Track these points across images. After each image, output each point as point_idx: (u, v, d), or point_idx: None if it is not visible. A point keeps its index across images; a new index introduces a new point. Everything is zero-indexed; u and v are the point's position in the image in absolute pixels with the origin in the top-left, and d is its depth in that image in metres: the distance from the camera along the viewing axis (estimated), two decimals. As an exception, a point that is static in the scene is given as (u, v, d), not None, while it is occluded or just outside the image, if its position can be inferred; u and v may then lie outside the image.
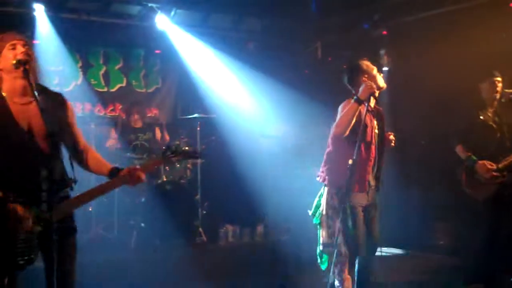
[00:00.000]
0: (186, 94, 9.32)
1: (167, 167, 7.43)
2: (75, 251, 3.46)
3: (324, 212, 4.61)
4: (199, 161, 7.60)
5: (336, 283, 4.51)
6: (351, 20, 8.56)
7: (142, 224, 6.95)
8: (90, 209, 7.28)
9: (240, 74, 8.84)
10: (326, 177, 4.63)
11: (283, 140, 7.89)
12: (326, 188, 4.64)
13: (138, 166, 3.54)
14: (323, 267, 4.70)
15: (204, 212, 7.64)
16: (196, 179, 7.63)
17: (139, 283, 5.98)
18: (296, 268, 6.29)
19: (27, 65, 3.22)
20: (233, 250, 7.27)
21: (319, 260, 4.71)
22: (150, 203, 6.99)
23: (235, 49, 8.96)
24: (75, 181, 3.43)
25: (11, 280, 3.24)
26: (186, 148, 3.82)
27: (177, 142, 7.53)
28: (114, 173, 3.48)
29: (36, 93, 3.16)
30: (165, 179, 7.29)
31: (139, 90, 9.25)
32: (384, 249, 5.29)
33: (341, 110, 4.51)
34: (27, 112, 3.30)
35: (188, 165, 7.76)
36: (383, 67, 8.18)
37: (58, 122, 3.39)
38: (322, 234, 4.64)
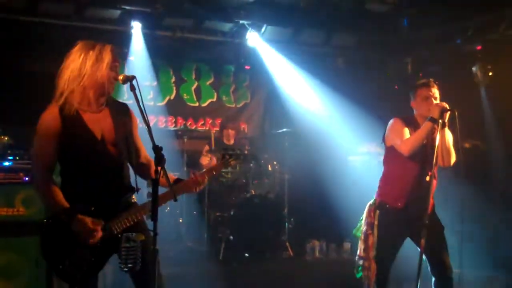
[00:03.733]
0: (274, 110, 9.42)
1: (254, 181, 7.53)
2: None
3: (363, 227, 4.71)
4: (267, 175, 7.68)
5: None
6: (443, 35, 8.38)
7: (231, 237, 7.05)
8: (180, 221, 7.48)
9: (328, 91, 8.83)
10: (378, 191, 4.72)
11: (372, 157, 7.80)
12: (368, 204, 4.72)
13: (197, 172, 3.65)
14: (358, 276, 4.75)
15: (291, 226, 7.66)
16: (284, 194, 7.68)
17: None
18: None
19: (133, 81, 3.31)
20: (320, 265, 7.23)
21: (355, 270, 4.78)
22: (239, 216, 7.08)
23: (324, 65, 8.97)
24: (137, 189, 3.53)
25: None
26: (245, 152, 3.87)
27: (265, 156, 7.65)
28: (176, 183, 3.56)
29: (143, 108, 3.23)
30: (253, 193, 7.38)
31: (229, 105, 9.46)
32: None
33: (392, 128, 4.56)
34: (98, 120, 3.45)
35: (276, 180, 7.82)
36: (478, 83, 7.96)
37: (124, 131, 3.53)
38: (360, 247, 4.74)
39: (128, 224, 3.37)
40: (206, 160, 7.80)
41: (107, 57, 3.42)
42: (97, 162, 3.41)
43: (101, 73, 3.38)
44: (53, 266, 3.32)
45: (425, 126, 4.34)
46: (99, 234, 3.28)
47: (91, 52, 3.40)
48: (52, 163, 3.38)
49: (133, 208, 3.46)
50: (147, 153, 3.71)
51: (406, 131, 4.50)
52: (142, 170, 3.67)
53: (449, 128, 4.38)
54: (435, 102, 4.44)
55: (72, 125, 3.35)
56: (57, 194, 3.32)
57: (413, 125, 4.52)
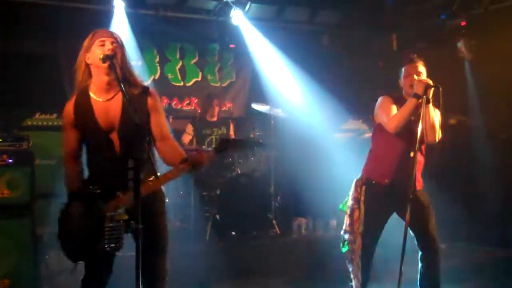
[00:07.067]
0: (260, 88, 9.39)
1: (240, 160, 7.53)
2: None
3: (349, 202, 4.76)
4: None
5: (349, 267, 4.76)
6: (427, 11, 8.37)
7: (217, 216, 7.07)
8: (167, 201, 7.45)
9: (313, 68, 8.81)
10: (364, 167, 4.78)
11: (358, 134, 7.82)
12: (354, 180, 4.77)
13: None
14: (343, 250, 4.80)
15: (277, 204, 7.68)
16: (270, 172, 7.68)
17: (213, 273, 6.10)
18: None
19: (114, 60, 3.38)
20: (307, 243, 7.26)
21: (341, 244, 4.83)
22: (225, 195, 7.09)
23: (309, 43, 8.94)
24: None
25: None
26: (241, 139, 3.90)
27: (251, 135, 7.64)
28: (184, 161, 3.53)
29: (122, 87, 3.29)
30: (239, 172, 7.39)
31: (214, 84, 9.40)
32: None
33: (380, 106, 4.59)
34: (107, 109, 3.52)
35: (262, 158, 7.82)
36: (463, 58, 7.99)
37: (140, 112, 3.44)
38: (345, 221, 4.79)
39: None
40: (188, 139, 7.78)
41: (94, 38, 3.53)
42: (103, 150, 3.53)
43: (91, 55, 3.50)
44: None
45: (409, 102, 4.34)
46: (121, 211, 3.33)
47: (86, 41, 3.55)
48: (73, 149, 3.60)
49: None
50: (172, 139, 3.69)
51: (394, 109, 4.50)
52: (163, 154, 3.64)
53: (433, 104, 4.39)
54: (418, 78, 4.43)
55: (82, 115, 3.52)
56: (73, 176, 3.58)
57: (401, 103, 4.52)
